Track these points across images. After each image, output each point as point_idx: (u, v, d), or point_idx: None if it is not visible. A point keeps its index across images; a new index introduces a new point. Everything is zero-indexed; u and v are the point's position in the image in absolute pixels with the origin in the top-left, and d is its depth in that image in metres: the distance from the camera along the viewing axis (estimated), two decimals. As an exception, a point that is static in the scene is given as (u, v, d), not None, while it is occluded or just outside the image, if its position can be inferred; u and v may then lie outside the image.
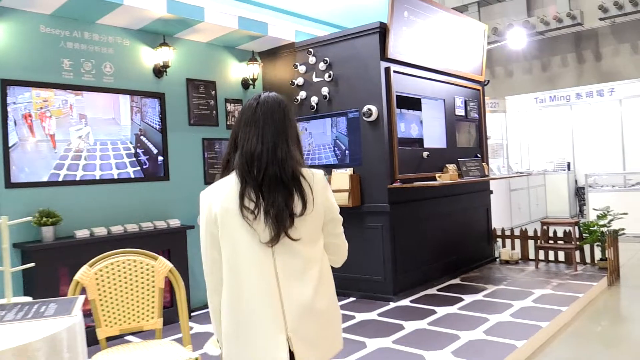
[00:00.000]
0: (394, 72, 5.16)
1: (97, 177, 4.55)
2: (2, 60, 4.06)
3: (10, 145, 4.07)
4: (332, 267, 1.85)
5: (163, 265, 2.80)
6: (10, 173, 4.07)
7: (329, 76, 5.36)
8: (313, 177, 1.74)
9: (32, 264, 2.40)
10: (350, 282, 5.32)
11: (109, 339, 2.72)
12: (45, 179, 4.25)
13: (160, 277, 2.79)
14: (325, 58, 5.39)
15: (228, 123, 5.62)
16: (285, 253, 1.67)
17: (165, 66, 4.94)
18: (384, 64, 5.09)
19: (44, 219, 4.04)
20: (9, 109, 4.08)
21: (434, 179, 5.40)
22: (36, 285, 3.96)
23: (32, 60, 4.22)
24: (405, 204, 5.27)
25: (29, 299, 2.29)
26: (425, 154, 5.57)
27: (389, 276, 5.09)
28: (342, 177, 5.26)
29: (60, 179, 4.33)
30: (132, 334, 4.14)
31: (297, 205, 1.67)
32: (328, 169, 5.43)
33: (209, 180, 5.39)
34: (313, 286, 1.69)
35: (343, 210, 5.53)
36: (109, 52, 4.68)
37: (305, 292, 1.68)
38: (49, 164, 4.28)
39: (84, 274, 2.63)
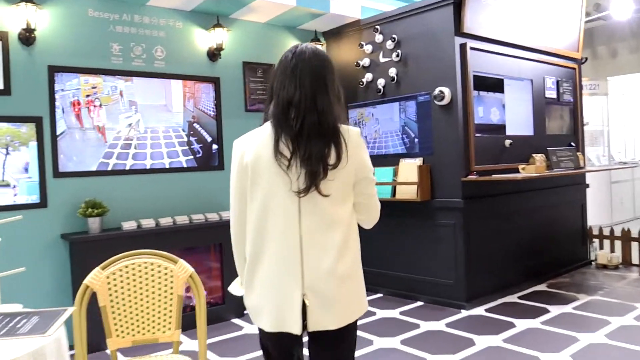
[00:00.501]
0: (471, 48, 4.52)
1: (148, 167, 4.36)
2: (50, 46, 3.93)
3: (58, 133, 3.96)
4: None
5: (183, 270, 2.47)
6: (59, 162, 3.95)
7: (397, 55, 4.83)
8: (348, 132, 1.69)
9: (22, 269, 2.15)
10: (418, 285, 4.80)
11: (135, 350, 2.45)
12: (93, 168, 4.11)
13: (180, 283, 2.46)
14: (393, 35, 4.85)
15: (288, 109, 5.24)
16: (311, 209, 1.65)
17: (219, 49, 4.65)
18: (458, 40, 4.48)
19: (89, 209, 3.89)
20: (56, 96, 3.95)
21: (517, 170, 4.72)
22: (81, 279, 3.82)
23: (80, 46, 4.07)
24: (482, 199, 4.64)
25: (19, 307, 2.04)
26: (507, 142, 4.88)
27: (461, 280, 4.51)
28: (411, 167, 4.73)
29: (109, 169, 4.17)
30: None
31: (332, 159, 1.63)
32: (395, 158, 4.92)
33: (266, 170, 5.07)
34: (336, 248, 1.66)
35: (410, 205, 4.90)
36: (160, 36, 4.45)
37: (326, 252, 1.65)
38: (98, 152, 4.14)
39: (94, 277, 2.37)
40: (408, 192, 4.73)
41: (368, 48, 5.10)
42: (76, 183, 4.03)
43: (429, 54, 4.63)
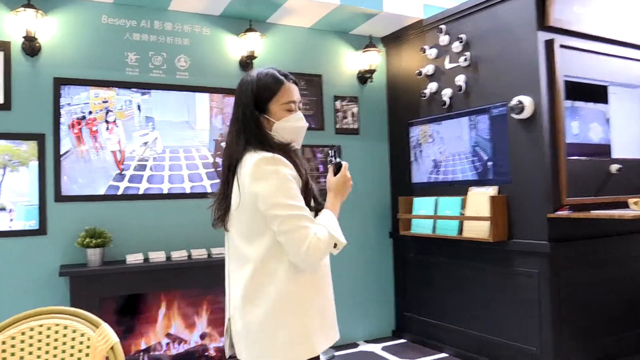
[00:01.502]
0: (561, 46, 3.49)
1: (165, 191, 3.83)
2: (57, 56, 3.56)
3: (62, 153, 3.55)
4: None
5: (104, 339, 1.80)
6: (61, 185, 3.53)
7: (466, 59, 3.91)
8: (246, 163, 1.59)
9: None
10: (491, 348, 3.77)
11: None
12: (101, 192, 3.64)
13: (97, 357, 1.79)
14: (461, 35, 3.95)
15: (337, 126, 4.50)
16: (231, 245, 1.71)
17: (251, 57, 4.04)
18: (543, 36, 3.48)
19: (88, 239, 3.41)
20: (62, 111, 3.56)
21: (626, 205, 3.56)
22: (75, 318, 3.33)
23: (91, 56, 3.66)
24: (576, 242, 3.53)
25: None
26: (614, 167, 3.74)
27: (549, 347, 3.42)
28: (482, 198, 3.75)
29: (119, 193, 3.69)
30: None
31: (233, 195, 1.64)
32: (464, 186, 3.97)
33: (308, 197, 4.34)
34: (244, 283, 1.61)
35: (481, 246, 3.91)
36: (184, 44, 3.95)
37: (238, 286, 1.64)
38: (107, 174, 3.67)
39: (-19, 341, 1.77)
40: (478, 230, 3.76)
41: (431, 53, 4.22)
42: (80, 208, 3.58)
43: (504, 56, 3.67)
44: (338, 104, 4.50)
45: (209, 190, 3.97)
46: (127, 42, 3.77)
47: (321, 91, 4.43)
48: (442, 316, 4.21)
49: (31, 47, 3.44)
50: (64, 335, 1.83)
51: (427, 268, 4.35)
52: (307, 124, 1.76)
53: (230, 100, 4.07)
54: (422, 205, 4.27)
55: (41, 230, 3.47)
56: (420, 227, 4.27)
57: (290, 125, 1.67)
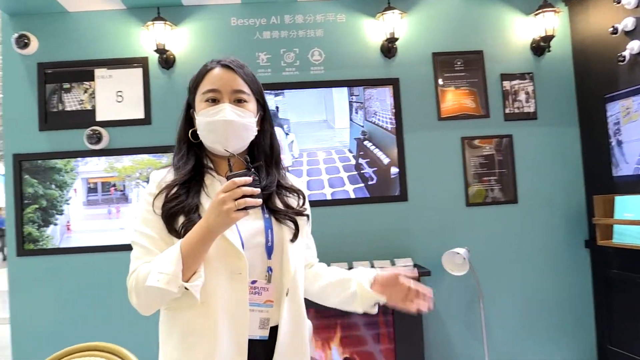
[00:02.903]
0: None
1: (303, 199, 3.51)
2: (190, 66, 3.49)
3: (199, 163, 3.47)
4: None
5: (143, 385, 1.50)
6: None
7: (682, 1, 2.80)
8: None
9: None
10: None
11: None
12: (239, 202, 3.48)
13: (132, 405, 1.50)
14: (673, -31, 2.85)
15: (507, 111, 3.67)
16: None
17: (392, 39, 3.49)
18: None
19: (222, 253, 3.25)
20: (198, 121, 3.48)
21: None
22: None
23: (223, 60, 3.53)
24: None
25: None
26: None
27: None
28: None
29: (257, 202, 3.48)
30: None
31: None
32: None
33: (471, 200, 3.61)
34: None
35: None
36: (318, 36, 3.58)
37: None
38: (244, 183, 3.49)
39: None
40: None
41: (630, 1, 3.15)
42: (219, 220, 3.46)
43: None
44: (507, 84, 3.67)
45: (352, 196, 3.54)
46: (258, 41, 3.55)
47: (483, 71, 3.65)
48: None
49: (165, 59, 3.44)
50: (104, 378, 1.58)
51: (638, 290, 3.27)
52: (231, 119, 1.27)
53: (373, 92, 3.59)
54: (628, 206, 3.21)
55: (183, 243, 3.43)
56: (626, 236, 3.22)
57: (203, 120, 1.30)
